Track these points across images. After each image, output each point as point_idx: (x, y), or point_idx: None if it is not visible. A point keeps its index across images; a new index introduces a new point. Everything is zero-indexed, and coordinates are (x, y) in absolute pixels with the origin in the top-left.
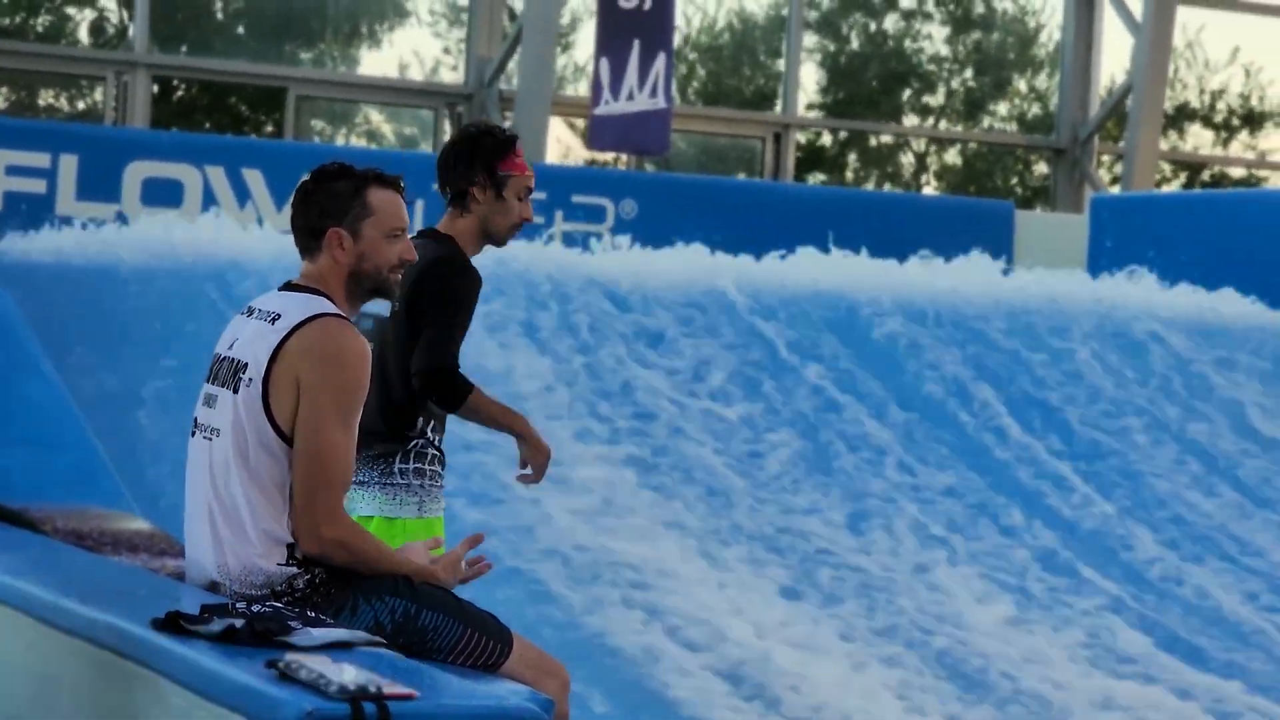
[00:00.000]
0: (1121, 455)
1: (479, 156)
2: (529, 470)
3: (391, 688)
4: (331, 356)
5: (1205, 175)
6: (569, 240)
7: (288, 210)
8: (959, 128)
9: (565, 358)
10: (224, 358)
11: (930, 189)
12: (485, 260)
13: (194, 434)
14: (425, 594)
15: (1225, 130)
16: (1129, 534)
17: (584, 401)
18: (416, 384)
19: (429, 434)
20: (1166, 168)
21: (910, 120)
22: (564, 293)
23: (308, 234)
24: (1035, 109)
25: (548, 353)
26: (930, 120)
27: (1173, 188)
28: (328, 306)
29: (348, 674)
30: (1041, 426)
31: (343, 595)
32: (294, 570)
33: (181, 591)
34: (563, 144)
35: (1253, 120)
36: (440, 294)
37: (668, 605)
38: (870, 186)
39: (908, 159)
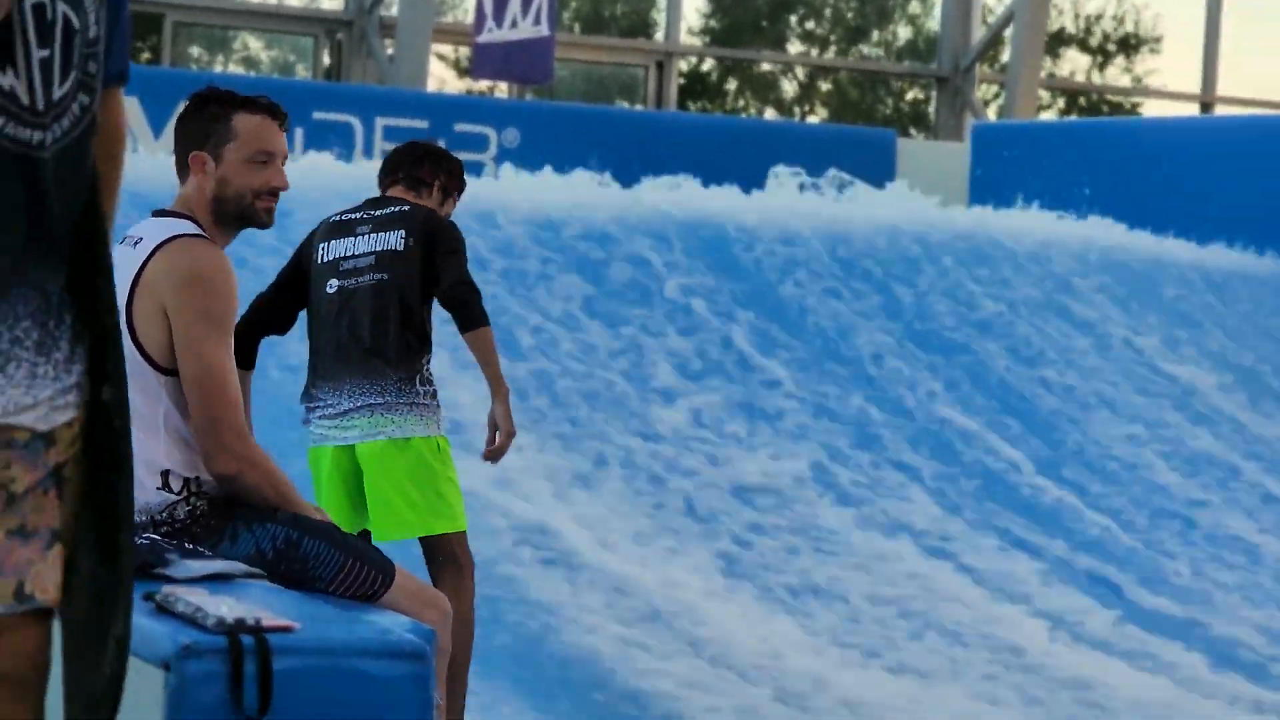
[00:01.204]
0: (986, 365)
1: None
2: (494, 445)
3: (271, 620)
4: (194, 276)
5: (1082, 100)
6: None
7: (166, 137)
8: (841, 56)
9: None
10: None
11: (813, 117)
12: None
13: None
14: (306, 523)
15: (1101, 55)
16: (992, 445)
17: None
18: (452, 293)
19: (429, 363)
20: (1045, 94)
21: (794, 48)
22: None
23: (180, 159)
24: (912, 35)
25: None
26: (814, 49)
27: (1051, 113)
28: (187, 228)
29: (226, 606)
30: (924, 352)
31: (223, 524)
32: (173, 499)
33: None
34: (439, 74)
35: (1128, 45)
36: (450, 231)
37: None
38: (752, 114)
39: (790, 87)
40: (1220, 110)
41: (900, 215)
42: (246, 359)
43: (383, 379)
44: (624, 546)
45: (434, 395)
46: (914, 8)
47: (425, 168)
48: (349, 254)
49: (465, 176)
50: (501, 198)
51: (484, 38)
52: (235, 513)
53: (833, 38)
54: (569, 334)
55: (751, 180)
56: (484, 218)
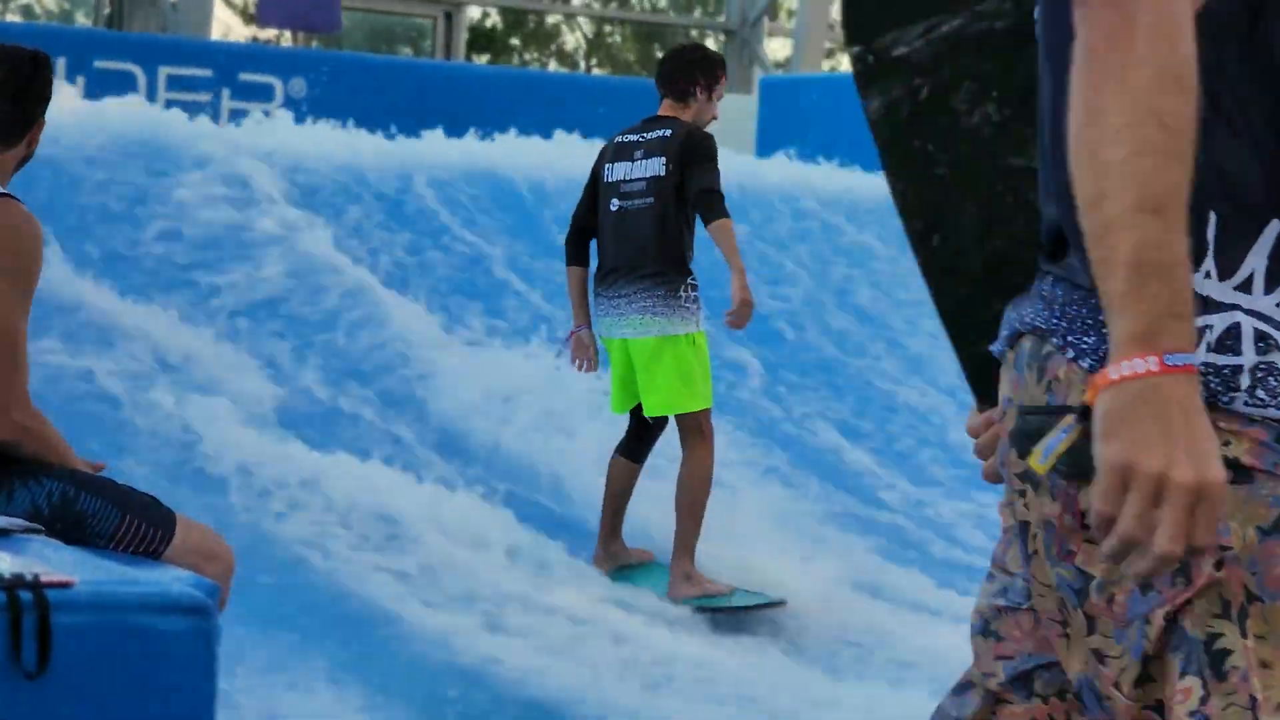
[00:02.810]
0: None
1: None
2: (735, 311)
3: (49, 575)
4: (6, 238)
5: None
6: (235, 117)
7: None
8: (627, 9)
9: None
10: None
11: (599, 71)
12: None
13: None
14: (84, 478)
15: None
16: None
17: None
18: (698, 200)
19: (693, 276)
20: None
21: (577, 2)
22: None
23: (9, 125)
24: None
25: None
26: (598, 2)
27: (846, 64)
28: None
29: (3, 562)
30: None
31: None
32: None
33: None
34: (222, 21)
35: None
36: (702, 145)
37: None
38: (538, 69)
39: (575, 40)
40: None
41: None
42: (581, 257)
43: (651, 286)
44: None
45: (694, 299)
46: None
47: (682, 80)
48: (627, 177)
49: (719, 57)
50: (290, 145)
51: None
52: (11, 469)
53: None
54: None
55: (538, 132)
56: (268, 157)
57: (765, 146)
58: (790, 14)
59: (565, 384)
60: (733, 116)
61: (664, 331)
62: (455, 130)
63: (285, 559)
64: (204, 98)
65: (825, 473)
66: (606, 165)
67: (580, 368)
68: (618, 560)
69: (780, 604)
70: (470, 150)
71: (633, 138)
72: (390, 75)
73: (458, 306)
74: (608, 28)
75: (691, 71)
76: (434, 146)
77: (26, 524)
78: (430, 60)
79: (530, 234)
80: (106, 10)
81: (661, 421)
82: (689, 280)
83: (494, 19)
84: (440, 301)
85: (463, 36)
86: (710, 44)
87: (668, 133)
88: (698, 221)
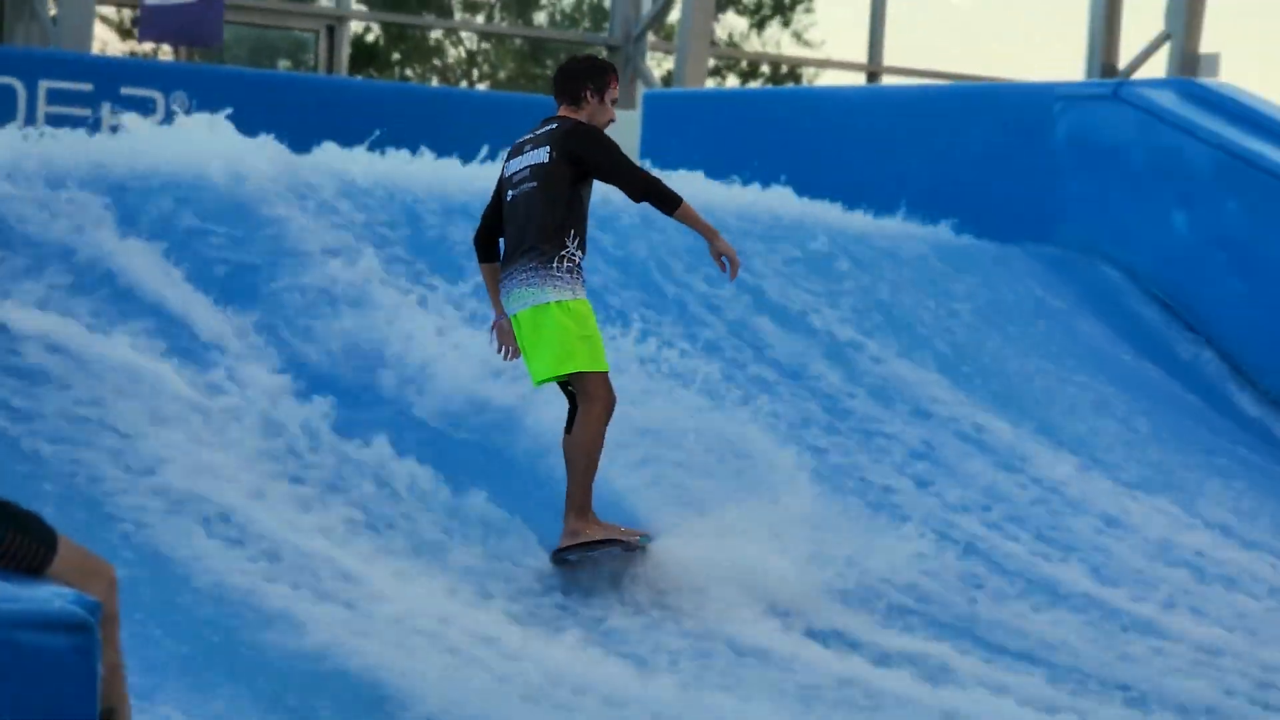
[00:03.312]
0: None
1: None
2: (727, 268)
3: None
4: None
5: (763, 70)
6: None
7: None
8: (509, 24)
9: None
10: None
11: (481, 85)
12: None
13: None
14: None
15: (756, 15)
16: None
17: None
18: (643, 192)
19: (574, 249)
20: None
21: (460, 17)
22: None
23: None
24: (575, 3)
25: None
26: (479, 18)
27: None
28: None
29: None
30: (623, 310)
31: None
32: None
33: None
34: (99, 38)
35: (782, 5)
36: (593, 139)
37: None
38: (419, 83)
39: (458, 55)
40: (887, 80)
41: None
42: (489, 255)
43: (528, 261)
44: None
45: (570, 270)
46: None
47: (574, 85)
48: (518, 169)
49: (608, 64)
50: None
51: (152, 0)
52: None
53: (497, 6)
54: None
55: (419, 147)
56: (142, 177)
57: (647, 160)
58: (669, 33)
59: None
60: (618, 130)
61: (537, 300)
62: (343, 144)
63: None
64: (84, 112)
65: None
66: (506, 164)
67: (506, 356)
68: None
69: (641, 539)
70: (353, 161)
71: (528, 136)
72: (275, 89)
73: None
74: (487, 45)
75: (582, 76)
76: (320, 160)
77: None
78: (315, 74)
79: (417, 247)
80: None
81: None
82: (564, 253)
83: (376, 33)
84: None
85: (345, 51)
86: None
87: (555, 126)
88: (589, 202)
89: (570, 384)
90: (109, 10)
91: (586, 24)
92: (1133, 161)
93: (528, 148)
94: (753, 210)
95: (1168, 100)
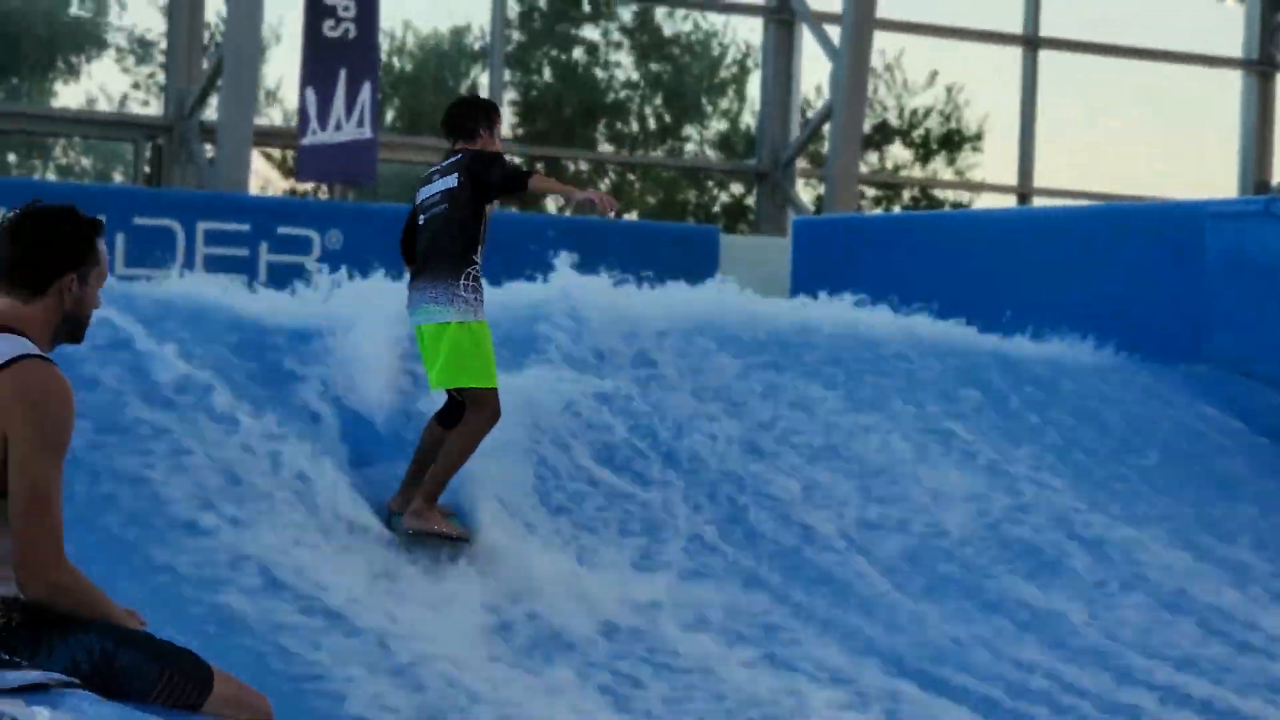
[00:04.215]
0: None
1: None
2: (609, 212)
3: None
4: (39, 402)
5: (907, 195)
6: (275, 271)
7: None
8: (657, 153)
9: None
10: None
11: (629, 215)
12: None
13: None
14: (122, 633)
15: (923, 149)
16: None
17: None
18: (500, 186)
19: (477, 263)
20: (872, 191)
21: (606, 149)
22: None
23: (36, 275)
24: (731, 129)
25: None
26: (626, 149)
27: (878, 207)
28: (29, 347)
29: (41, 718)
30: (746, 444)
31: (39, 637)
32: None
33: None
34: (261, 174)
35: (951, 142)
36: (486, 155)
37: None
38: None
39: (605, 185)
40: (1038, 202)
41: (717, 308)
42: (413, 258)
43: (435, 280)
44: None
45: (473, 290)
46: (725, 104)
47: (468, 122)
48: (429, 195)
49: (492, 103)
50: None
51: (308, 140)
52: (50, 625)
53: (641, 138)
54: None
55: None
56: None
57: (798, 287)
58: (819, 159)
59: None
60: (768, 257)
61: (444, 319)
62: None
63: None
64: (242, 252)
65: None
66: (418, 191)
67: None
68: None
69: (463, 540)
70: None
71: (436, 167)
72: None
73: None
74: (632, 175)
75: (474, 114)
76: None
77: (65, 679)
78: None
79: None
80: (146, 169)
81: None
82: (470, 270)
83: (520, 164)
84: None
85: None
86: (739, 187)
87: (459, 157)
88: (490, 225)
89: (460, 394)
90: (273, 150)
91: (739, 149)
92: None
93: (436, 177)
94: (899, 335)
95: None
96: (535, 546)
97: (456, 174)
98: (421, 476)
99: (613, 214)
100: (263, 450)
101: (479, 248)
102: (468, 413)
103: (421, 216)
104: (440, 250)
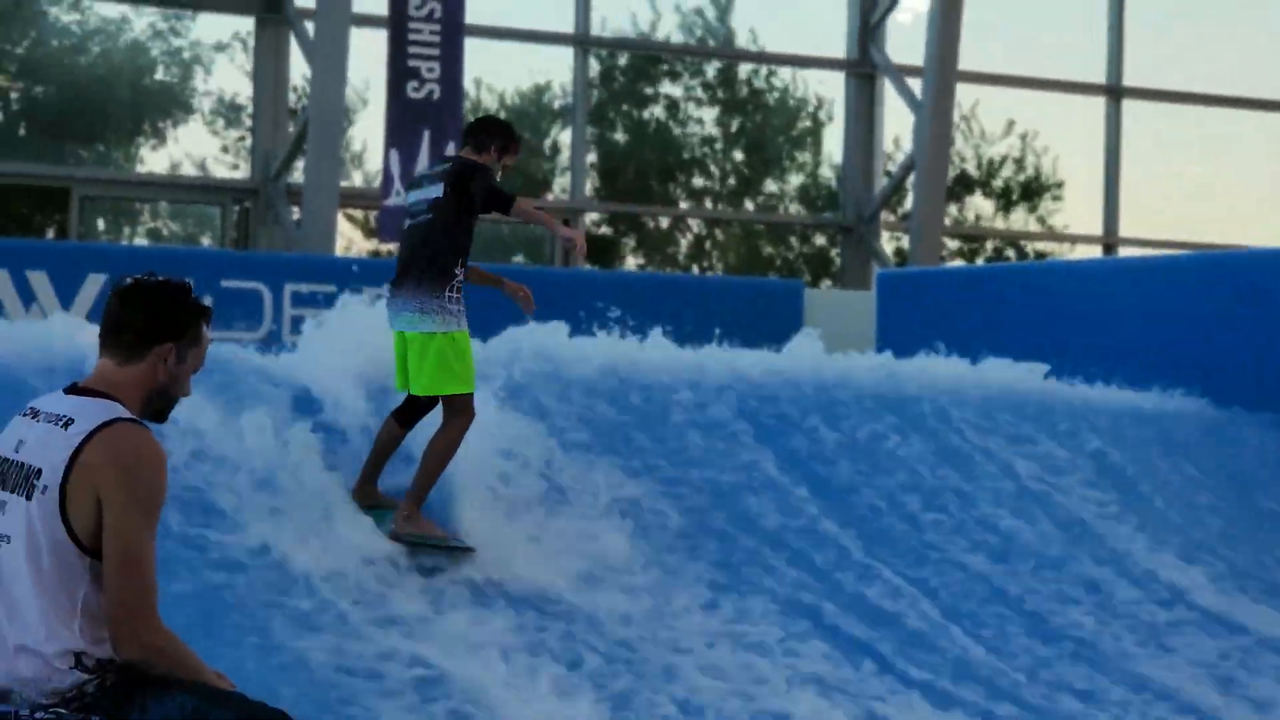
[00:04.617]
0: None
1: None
2: (580, 256)
3: None
4: (131, 466)
5: (989, 245)
6: None
7: (76, 309)
8: (734, 208)
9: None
10: (12, 461)
11: (713, 270)
12: None
13: None
14: (214, 692)
15: (1004, 199)
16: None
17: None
18: (487, 204)
19: (460, 275)
20: (951, 241)
21: (685, 204)
22: None
23: (136, 338)
24: (810, 182)
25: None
26: (706, 202)
27: (957, 259)
28: (121, 411)
29: None
30: (842, 504)
31: (133, 695)
32: (84, 677)
33: None
34: (345, 235)
35: (1030, 191)
36: (476, 172)
37: None
38: (651, 270)
39: (685, 241)
40: (1124, 251)
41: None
42: None
43: (419, 289)
44: None
45: (456, 301)
46: (803, 157)
47: (484, 133)
48: (416, 200)
49: (519, 134)
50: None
51: (391, 201)
52: (144, 685)
53: (722, 192)
54: None
55: (674, 332)
56: None
57: (885, 340)
58: (905, 214)
59: None
60: (853, 311)
61: (430, 329)
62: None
63: None
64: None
65: None
66: (406, 195)
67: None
68: (370, 500)
69: (468, 550)
70: (596, 350)
71: (425, 172)
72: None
73: None
74: (717, 230)
75: (493, 128)
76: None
77: None
78: (553, 266)
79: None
80: (233, 233)
81: (432, 400)
82: (454, 281)
83: (598, 219)
84: None
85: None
86: (822, 239)
87: (448, 165)
88: (474, 236)
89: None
90: (356, 211)
91: (800, 208)
92: None
93: (424, 183)
94: (994, 386)
95: None
96: None
97: (443, 184)
98: (379, 469)
99: (582, 259)
100: None
101: (463, 259)
102: (447, 417)
103: (406, 220)
104: (424, 260)
